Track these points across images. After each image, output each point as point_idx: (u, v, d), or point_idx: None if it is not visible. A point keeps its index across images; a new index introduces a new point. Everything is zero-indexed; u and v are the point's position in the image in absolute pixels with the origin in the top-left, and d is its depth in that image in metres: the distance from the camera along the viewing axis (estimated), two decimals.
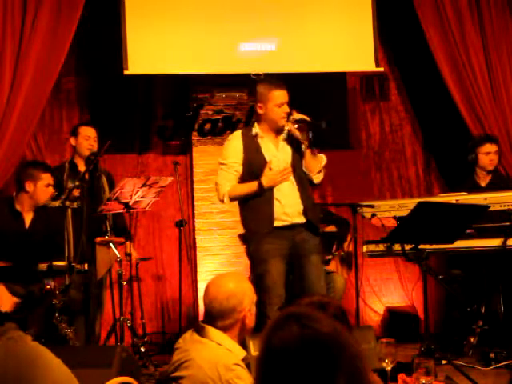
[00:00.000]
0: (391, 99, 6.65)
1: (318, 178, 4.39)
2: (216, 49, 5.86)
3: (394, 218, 4.75)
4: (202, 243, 6.09)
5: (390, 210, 4.89)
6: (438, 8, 6.00)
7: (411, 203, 4.45)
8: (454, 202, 4.73)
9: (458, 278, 5.25)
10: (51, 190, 4.74)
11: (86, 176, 4.90)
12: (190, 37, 5.83)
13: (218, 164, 4.40)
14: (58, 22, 5.37)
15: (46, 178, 4.76)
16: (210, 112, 6.18)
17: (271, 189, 4.24)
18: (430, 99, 6.44)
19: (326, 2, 6.10)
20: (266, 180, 4.23)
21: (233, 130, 6.13)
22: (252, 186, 4.26)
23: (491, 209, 4.47)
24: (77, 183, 4.70)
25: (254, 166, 4.30)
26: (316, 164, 4.35)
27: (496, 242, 4.79)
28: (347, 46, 6.10)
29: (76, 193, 4.66)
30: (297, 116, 4.30)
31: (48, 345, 2.07)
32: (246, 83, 6.08)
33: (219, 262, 6.07)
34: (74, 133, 5.16)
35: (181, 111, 6.19)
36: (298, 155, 4.36)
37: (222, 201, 4.36)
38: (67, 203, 4.49)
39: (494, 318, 5.05)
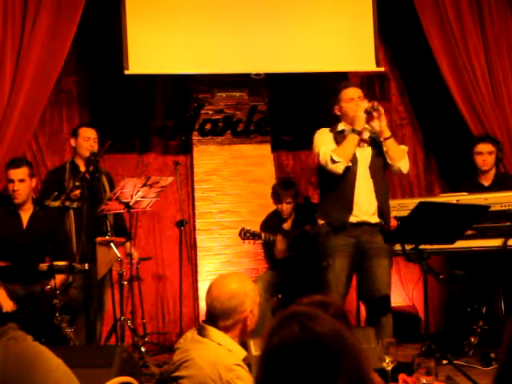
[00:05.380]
0: (392, 99, 6.65)
1: (404, 166, 4.43)
2: (216, 49, 5.86)
3: (395, 218, 4.75)
4: (202, 243, 6.09)
5: (390, 210, 4.88)
6: (438, 8, 6.00)
7: (412, 203, 4.45)
8: (455, 202, 4.73)
9: (459, 279, 5.24)
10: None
11: (87, 176, 4.90)
12: (190, 36, 5.83)
13: (315, 152, 4.47)
14: (58, 22, 5.37)
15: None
16: (210, 112, 6.18)
17: (353, 177, 4.35)
18: (431, 99, 6.44)
19: (327, 2, 6.10)
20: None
21: (233, 130, 6.17)
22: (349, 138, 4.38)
23: (492, 209, 4.47)
24: (77, 183, 4.70)
25: None
26: (398, 150, 4.42)
27: (496, 242, 4.79)
28: (348, 45, 6.09)
29: (76, 193, 4.66)
30: (365, 105, 4.41)
31: (48, 345, 2.06)
32: (247, 83, 6.08)
33: (219, 262, 6.07)
34: (74, 134, 5.16)
35: (181, 111, 6.20)
36: (376, 153, 4.45)
37: (327, 163, 4.37)
38: (67, 203, 4.49)
39: (495, 318, 5.04)
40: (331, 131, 4.52)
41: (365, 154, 4.45)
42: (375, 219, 4.40)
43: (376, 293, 4.37)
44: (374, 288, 4.38)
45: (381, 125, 4.39)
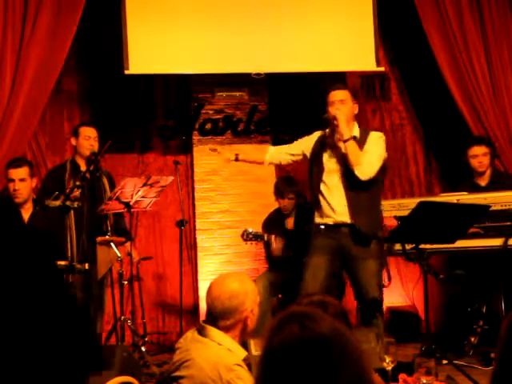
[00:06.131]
0: (392, 99, 6.65)
1: (360, 172, 4.31)
2: (216, 48, 5.86)
3: (395, 217, 4.74)
4: (202, 243, 6.09)
5: (390, 209, 4.89)
6: (438, 7, 6.00)
7: (412, 203, 4.44)
8: (455, 201, 4.72)
9: (459, 278, 5.24)
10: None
11: (87, 176, 4.90)
12: (190, 36, 5.83)
13: None
14: (58, 22, 5.37)
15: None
16: (210, 111, 6.19)
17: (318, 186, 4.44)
18: (431, 99, 6.44)
19: (327, 2, 6.10)
20: None
21: (233, 130, 6.17)
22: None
23: (492, 208, 4.46)
24: (77, 183, 4.70)
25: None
26: (355, 155, 4.32)
27: (497, 242, 4.79)
28: (348, 45, 6.09)
29: (77, 193, 4.66)
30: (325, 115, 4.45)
31: None
32: (247, 83, 6.08)
33: (220, 262, 6.08)
34: (75, 133, 5.16)
35: (181, 111, 6.20)
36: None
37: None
38: (68, 203, 4.49)
39: (495, 318, 5.04)
40: (320, 135, 4.57)
41: (335, 160, 4.43)
42: (348, 220, 4.36)
43: (365, 296, 4.35)
44: (361, 291, 4.37)
45: (339, 129, 4.34)
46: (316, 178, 4.47)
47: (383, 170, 4.48)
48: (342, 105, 4.39)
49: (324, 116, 4.41)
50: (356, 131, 4.45)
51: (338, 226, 4.38)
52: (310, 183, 4.60)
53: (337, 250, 4.39)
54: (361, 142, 4.39)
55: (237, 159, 4.76)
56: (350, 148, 4.31)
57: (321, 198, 4.43)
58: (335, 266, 4.44)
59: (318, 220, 4.46)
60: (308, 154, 4.58)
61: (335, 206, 4.38)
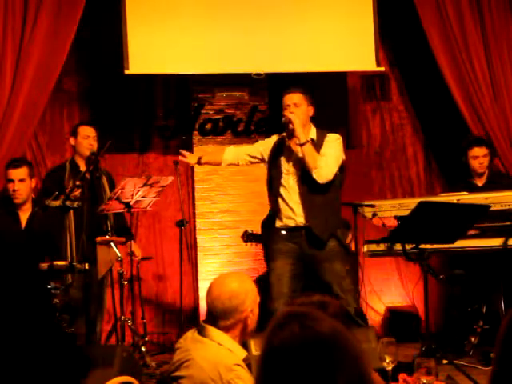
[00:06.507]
0: (392, 99, 6.65)
1: (318, 175, 4.32)
2: (216, 48, 5.86)
3: (395, 217, 4.74)
4: (202, 243, 6.09)
5: (390, 209, 4.88)
6: (438, 7, 6.00)
7: (412, 203, 4.44)
8: (455, 201, 4.72)
9: (459, 278, 5.24)
10: None
11: (87, 176, 4.90)
12: (190, 36, 5.83)
13: None
14: (58, 22, 5.37)
15: None
16: (210, 112, 6.19)
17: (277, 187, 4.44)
18: (431, 99, 6.43)
19: (327, 2, 6.09)
20: None
21: (233, 130, 6.17)
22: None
23: (492, 209, 4.46)
24: (77, 183, 4.70)
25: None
26: (312, 158, 4.32)
27: (497, 242, 4.78)
28: (348, 45, 6.09)
29: (76, 192, 4.66)
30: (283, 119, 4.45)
31: None
32: (247, 83, 6.08)
33: (220, 262, 6.07)
34: (73, 133, 5.16)
35: (181, 111, 6.20)
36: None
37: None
38: (68, 203, 4.49)
39: (495, 318, 5.04)
40: (278, 138, 4.58)
41: (292, 163, 4.43)
42: (303, 221, 4.37)
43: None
44: (332, 296, 4.33)
45: (295, 132, 4.33)
46: (275, 181, 4.48)
47: (341, 171, 4.49)
48: (296, 108, 4.39)
49: (283, 121, 4.40)
50: (313, 133, 4.45)
51: (299, 228, 4.38)
52: (268, 187, 4.59)
53: (298, 253, 4.39)
54: (318, 144, 4.41)
55: (199, 162, 4.77)
56: (307, 151, 4.32)
57: (280, 201, 4.43)
58: (298, 269, 4.42)
59: (278, 224, 4.44)
60: (266, 157, 4.58)
61: (295, 208, 4.38)
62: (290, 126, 4.35)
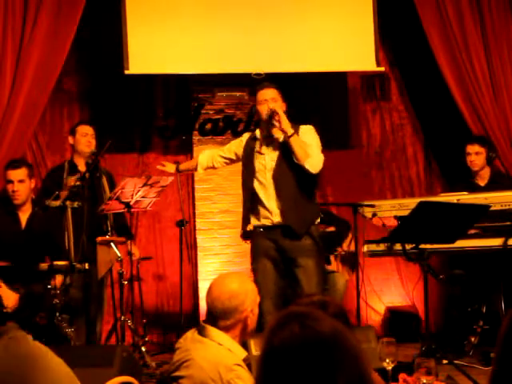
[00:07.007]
0: (392, 99, 6.65)
1: (311, 165, 4.30)
2: (216, 48, 5.86)
3: (395, 217, 4.74)
4: (202, 243, 6.09)
5: (390, 209, 4.88)
6: (438, 7, 6.00)
7: (412, 203, 4.45)
8: (455, 201, 4.72)
9: (459, 278, 5.24)
10: None
11: (87, 176, 4.90)
12: (190, 36, 5.83)
13: None
14: (58, 22, 5.37)
15: None
16: (210, 111, 6.19)
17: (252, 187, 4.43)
18: (431, 99, 6.44)
19: (327, 2, 6.09)
20: None
21: (233, 130, 6.17)
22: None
23: (492, 208, 4.46)
24: (78, 183, 4.69)
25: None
26: (302, 149, 4.29)
27: (497, 242, 4.78)
28: (348, 45, 6.09)
29: (72, 183, 4.65)
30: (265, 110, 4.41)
31: (49, 344, 2.06)
32: (247, 83, 6.08)
33: (220, 262, 6.08)
34: (72, 132, 5.17)
35: (181, 111, 6.20)
36: (283, 157, 4.38)
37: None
38: (67, 203, 4.49)
39: (495, 318, 5.04)
40: (250, 136, 4.59)
41: (268, 160, 4.42)
42: (279, 220, 4.36)
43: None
44: (302, 292, 4.29)
45: (282, 125, 4.30)
46: (249, 178, 4.46)
47: None
48: (274, 103, 4.39)
49: (266, 114, 4.35)
50: None
51: (275, 227, 4.37)
52: (243, 185, 4.57)
53: (277, 251, 4.38)
54: None
55: (178, 170, 4.86)
56: (296, 143, 4.29)
57: (256, 199, 4.41)
58: (280, 267, 4.42)
59: (255, 222, 4.44)
60: (240, 156, 4.60)
61: (270, 206, 4.37)
62: (277, 117, 4.31)
